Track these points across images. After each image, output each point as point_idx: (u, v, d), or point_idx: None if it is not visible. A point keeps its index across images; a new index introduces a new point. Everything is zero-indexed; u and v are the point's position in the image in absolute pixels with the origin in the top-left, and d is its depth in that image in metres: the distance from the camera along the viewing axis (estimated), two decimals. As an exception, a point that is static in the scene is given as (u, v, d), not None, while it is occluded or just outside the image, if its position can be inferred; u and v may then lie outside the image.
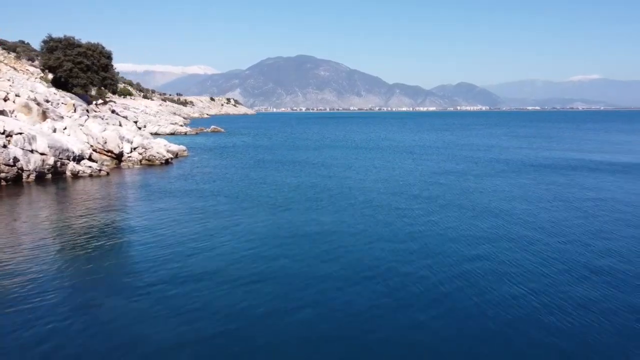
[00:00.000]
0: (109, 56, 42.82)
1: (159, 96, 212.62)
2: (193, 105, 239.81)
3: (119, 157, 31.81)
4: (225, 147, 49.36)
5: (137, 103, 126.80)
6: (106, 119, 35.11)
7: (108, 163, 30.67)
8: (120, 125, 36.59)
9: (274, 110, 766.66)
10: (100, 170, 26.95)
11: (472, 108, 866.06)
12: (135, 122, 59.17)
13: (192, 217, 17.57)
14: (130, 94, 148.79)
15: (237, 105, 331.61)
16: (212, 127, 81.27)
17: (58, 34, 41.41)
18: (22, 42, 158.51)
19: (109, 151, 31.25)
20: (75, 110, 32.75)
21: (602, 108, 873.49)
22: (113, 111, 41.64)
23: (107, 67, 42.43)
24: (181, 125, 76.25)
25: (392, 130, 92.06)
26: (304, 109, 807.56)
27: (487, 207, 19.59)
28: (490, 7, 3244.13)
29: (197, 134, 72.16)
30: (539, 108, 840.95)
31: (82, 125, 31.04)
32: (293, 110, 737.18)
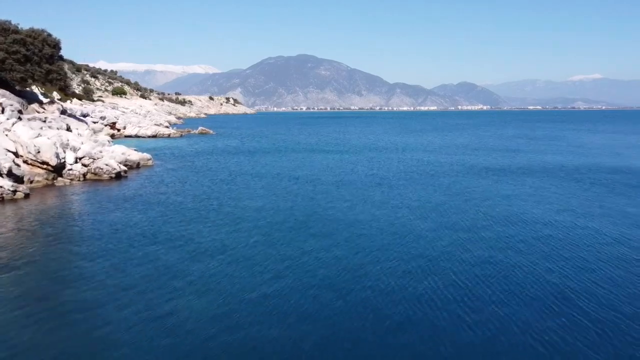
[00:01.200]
0: (55, 45, 35.91)
1: (157, 95, 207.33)
2: (192, 104, 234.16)
3: (58, 169, 25.39)
4: (204, 153, 42.87)
5: (129, 102, 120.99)
6: (49, 122, 28.68)
7: (41, 178, 24.27)
8: (68, 129, 30.13)
9: (275, 109, 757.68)
10: (14, 191, 20.46)
11: (473, 107, 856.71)
12: (114, 124, 52.79)
13: (93, 287, 11.17)
14: (124, 93, 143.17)
15: (237, 104, 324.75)
16: (200, 128, 74.23)
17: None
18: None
19: (43, 162, 24.83)
20: (2, 111, 26.36)
21: (603, 107, 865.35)
22: (64, 112, 35.14)
23: (53, 58, 35.69)
24: (166, 127, 69.85)
25: (395, 132, 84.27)
26: (304, 109, 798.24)
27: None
28: (491, 6, 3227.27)
29: (181, 136, 65.64)
30: (540, 107, 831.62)
31: (9, 130, 24.66)
32: (294, 110, 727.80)
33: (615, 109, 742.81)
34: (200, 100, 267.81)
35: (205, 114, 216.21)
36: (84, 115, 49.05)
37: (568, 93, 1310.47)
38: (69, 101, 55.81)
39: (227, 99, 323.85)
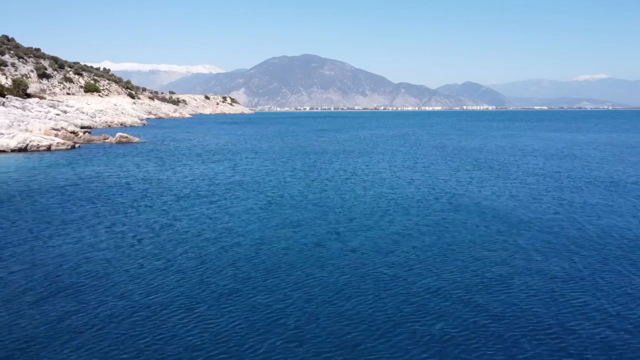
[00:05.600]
0: None
1: (148, 95, 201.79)
2: (185, 103, 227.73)
3: None
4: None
5: (100, 100, 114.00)
6: None
7: None
8: None
9: (278, 109, 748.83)
10: None
11: (478, 108, 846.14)
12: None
13: None
14: (97, 90, 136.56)
15: (234, 104, 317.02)
16: (119, 135, 49.53)
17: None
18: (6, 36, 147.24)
19: None
20: None
21: (609, 108, 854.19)
22: None
23: None
24: (72, 132, 50.42)
25: (405, 144, 63.70)
26: (308, 109, 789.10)
27: None
28: (495, 6, 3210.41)
29: (74, 147, 42.85)
30: (546, 108, 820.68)
31: None
32: (297, 110, 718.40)
33: (622, 109, 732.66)
34: (195, 100, 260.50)
35: (199, 113, 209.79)
36: None
37: (573, 93, 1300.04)
38: None
39: (224, 98, 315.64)
